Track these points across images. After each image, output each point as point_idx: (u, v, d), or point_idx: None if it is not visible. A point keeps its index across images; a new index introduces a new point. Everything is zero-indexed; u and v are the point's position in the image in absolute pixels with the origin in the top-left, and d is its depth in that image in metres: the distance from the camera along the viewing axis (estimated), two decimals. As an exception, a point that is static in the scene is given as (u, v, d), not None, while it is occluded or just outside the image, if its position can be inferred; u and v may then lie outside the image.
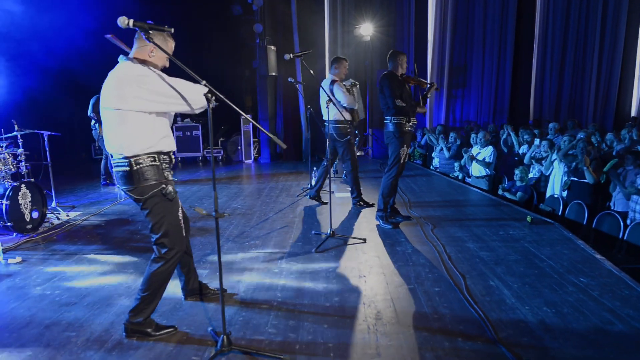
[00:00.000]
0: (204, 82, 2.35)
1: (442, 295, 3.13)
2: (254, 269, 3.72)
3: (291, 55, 4.67)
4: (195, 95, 2.46)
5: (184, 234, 2.71)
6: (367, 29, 10.57)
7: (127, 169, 2.43)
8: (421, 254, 3.96)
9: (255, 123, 2.53)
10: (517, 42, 11.88)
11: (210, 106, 2.32)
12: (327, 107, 4.62)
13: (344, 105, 5.40)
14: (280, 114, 10.58)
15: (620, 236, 5.04)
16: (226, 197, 6.55)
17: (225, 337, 2.47)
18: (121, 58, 2.53)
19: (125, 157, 2.43)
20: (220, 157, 10.95)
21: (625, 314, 2.80)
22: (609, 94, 11.84)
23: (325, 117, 5.69)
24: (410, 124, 4.72)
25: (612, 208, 5.55)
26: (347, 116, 5.46)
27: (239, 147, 10.78)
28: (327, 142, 5.17)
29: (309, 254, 4.03)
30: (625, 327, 2.65)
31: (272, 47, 9.94)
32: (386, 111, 4.71)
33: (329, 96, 4.65)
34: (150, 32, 2.32)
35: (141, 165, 2.44)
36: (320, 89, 5.57)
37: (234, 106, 2.67)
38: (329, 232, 4.38)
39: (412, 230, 4.67)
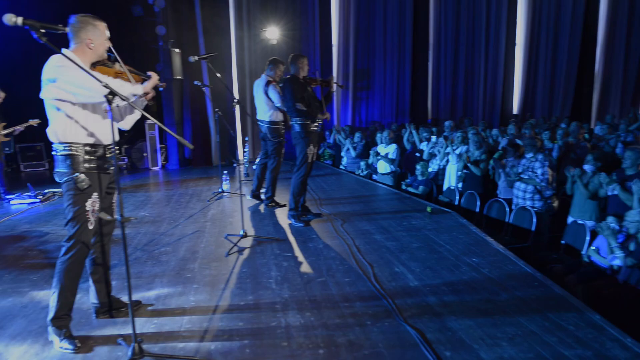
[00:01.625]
0: (104, 82, 2.28)
1: (352, 285, 3.30)
2: (165, 275, 3.63)
3: (196, 57, 4.62)
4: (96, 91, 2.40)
5: (91, 228, 2.62)
6: (273, 33, 10.68)
7: (54, 153, 2.60)
8: (332, 248, 4.12)
9: (159, 124, 2.49)
10: (415, 49, 12.71)
11: (112, 106, 2.27)
12: (257, 107, 4.87)
13: (278, 106, 5.48)
14: (187, 119, 10.31)
15: (507, 220, 5.63)
16: (132, 205, 6.26)
17: (136, 345, 2.41)
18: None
19: (54, 143, 2.58)
20: (124, 165, 10.41)
21: (509, 285, 3.16)
22: (495, 95, 13.10)
23: (260, 118, 5.71)
24: (316, 124, 4.86)
25: (499, 196, 6.17)
26: (282, 117, 5.60)
27: (145, 154, 10.32)
28: (262, 143, 5.36)
29: (222, 256, 4.02)
30: (509, 296, 3.00)
31: (177, 50, 9.67)
32: (291, 113, 4.84)
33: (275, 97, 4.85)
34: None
35: (61, 152, 2.56)
36: (254, 89, 5.74)
37: (138, 109, 2.61)
38: (241, 233, 4.39)
39: (323, 226, 4.83)
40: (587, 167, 5.02)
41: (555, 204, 5.58)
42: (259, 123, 5.68)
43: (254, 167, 6.11)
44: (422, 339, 2.51)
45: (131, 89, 2.59)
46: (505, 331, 2.57)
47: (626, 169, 4.79)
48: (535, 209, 5.37)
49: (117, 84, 2.49)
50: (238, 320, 2.84)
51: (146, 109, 2.75)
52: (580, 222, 4.86)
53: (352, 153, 8.52)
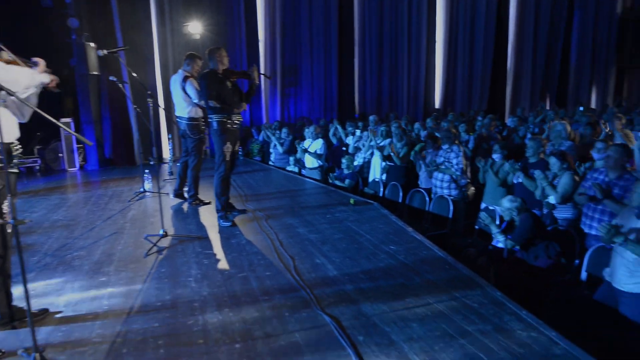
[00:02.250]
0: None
1: (272, 278, 3.31)
2: (77, 280, 3.44)
3: (105, 51, 4.40)
4: None
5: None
6: (195, 27, 10.40)
7: None
8: (255, 243, 4.10)
9: (55, 121, 2.35)
10: (340, 45, 12.91)
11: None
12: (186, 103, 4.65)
13: (196, 102, 5.32)
14: (106, 117, 9.78)
15: (427, 208, 5.90)
16: (45, 209, 5.85)
17: (37, 355, 2.27)
18: None
19: None
20: (37, 167, 9.69)
21: (423, 270, 3.32)
22: (418, 90, 13.64)
23: (178, 114, 5.51)
24: (236, 120, 4.71)
25: (420, 186, 6.45)
26: (202, 113, 5.43)
27: (60, 155, 9.67)
28: (182, 140, 5.16)
29: (140, 257, 3.87)
30: (421, 280, 3.16)
31: (92, 44, 9.12)
32: (208, 110, 4.68)
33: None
34: None
35: None
36: (171, 84, 5.52)
37: (30, 106, 2.45)
38: (161, 233, 4.25)
39: (247, 222, 4.80)
40: (496, 157, 5.38)
41: (470, 192, 5.92)
42: (177, 120, 5.52)
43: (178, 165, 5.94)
44: (337, 326, 2.58)
45: (39, 77, 2.44)
46: (416, 313, 2.70)
47: (529, 158, 5.19)
48: (452, 197, 5.67)
49: (27, 74, 2.35)
50: (154, 321, 2.75)
51: (52, 96, 2.61)
52: (492, 207, 5.21)
53: (280, 149, 8.52)
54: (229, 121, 4.63)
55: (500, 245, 4.22)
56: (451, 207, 5.52)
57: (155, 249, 4.04)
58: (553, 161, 4.55)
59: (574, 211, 4.48)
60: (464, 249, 5.04)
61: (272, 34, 12.24)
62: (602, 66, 15.37)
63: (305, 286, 3.12)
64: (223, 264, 3.63)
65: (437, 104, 13.92)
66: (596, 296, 3.48)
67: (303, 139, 8.36)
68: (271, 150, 9.12)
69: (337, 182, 7.12)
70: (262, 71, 11.99)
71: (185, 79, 5.32)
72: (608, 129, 6.99)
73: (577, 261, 4.15)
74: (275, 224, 4.68)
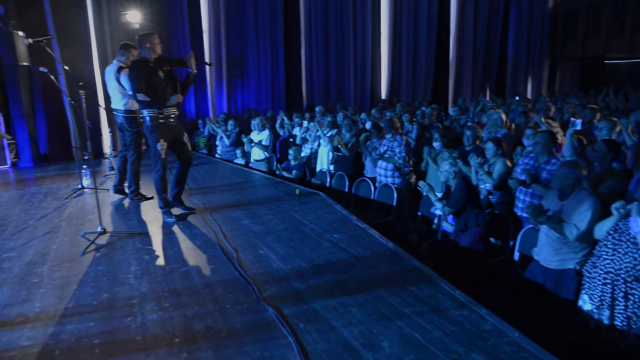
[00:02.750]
0: None
1: (215, 271, 3.27)
2: (7, 283, 3.25)
3: (30, 40, 4.14)
4: None
5: None
6: (134, 16, 9.99)
7: None
8: (198, 237, 4.04)
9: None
10: (287, 36, 12.82)
11: None
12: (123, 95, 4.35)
13: (131, 93, 5.08)
14: (40, 110, 9.23)
15: (372, 197, 6.02)
16: (-30, 210, 5.48)
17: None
18: None
19: None
20: (-37, 166, 9.02)
21: (364, 257, 3.40)
22: (364, 81, 13.81)
23: (114, 107, 5.26)
24: (166, 115, 4.32)
25: (366, 175, 6.56)
26: (138, 106, 5.19)
27: (-12, 152, 9.05)
28: (120, 134, 4.88)
29: (77, 256, 3.71)
30: (362, 266, 3.23)
31: (20, 33, 8.54)
32: (139, 104, 4.39)
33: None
34: None
35: None
36: (105, 76, 5.26)
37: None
38: (99, 230, 4.10)
39: (191, 216, 4.70)
40: (436, 144, 5.56)
41: (413, 179, 6.09)
42: (114, 112, 5.30)
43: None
44: (279, 315, 2.59)
45: None
46: (356, 298, 2.76)
47: (467, 145, 5.40)
48: (395, 186, 5.81)
49: None
50: (89, 321, 2.66)
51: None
52: (434, 211, 5.37)
53: (226, 141, 8.39)
54: (161, 116, 4.30)
55: (437, 212, 4.35)
56: (395, 195, 5.66)
57: (93, 246, 3.89)
58: (489, 146, 4.76)
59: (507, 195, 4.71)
60: (408, 235, 5.20)
61: (217, 23, 11.98)
62: (536, 58, 16.16)
63: (247, 278, 3.11)
64: (164, 259, 3.55)
65: (383, 95, 14.15)
66: (526, 274, 3.70)
67: (250, 131, 8.28)
68: (217, 143, 8.96)
69: (285, 174, 7.12)
70: (204, 58, 11.72)
71: (119, 69, 5.11)
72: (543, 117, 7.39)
73: (511, 242, 4.39)
74: (219, 217, 4.62)
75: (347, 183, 6.44)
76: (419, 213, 5.58)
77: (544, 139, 4.17)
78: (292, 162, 7.21)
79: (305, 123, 8.02)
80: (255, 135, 7.64)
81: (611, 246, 3.02)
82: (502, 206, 4.70)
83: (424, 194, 4.38)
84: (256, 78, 12.66)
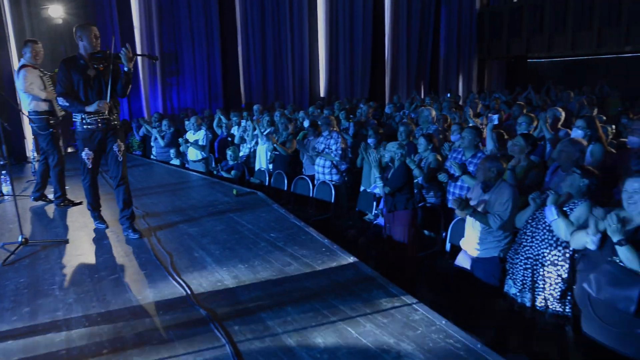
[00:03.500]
0: None
1: (148, 277, 3.17)
2: None
3: None
4: None
5: None
6: (56, 11, 9.41)
7: None
8: (130, 242, 3.89)
9: None
10: (223, 33, 12.59)
11: None
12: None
13: (23, 92, 4.75)
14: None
15: (310, 195, 6.06)
16: None
17: None
18: None
19: None
20: None
21: (300, 254, 3.42)
22: (303, 79, 13.85)
23: (24, 109, 4.90)
24: (91, 120, 3.84)
25: (304, 173, 6.59)
26: (46, 106, 4.85)
27: None
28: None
29: (-6, 268, 3.46)
30: (299, 263, 3.25)
31: None
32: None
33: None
34: None
35: None
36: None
37: None
38: (20, 240, 3.83)
39: (123, 221, 4.52)
40: (370, 141, 5.69)
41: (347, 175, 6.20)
42: (28, 116, 4.93)
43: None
44: (213, 318, 2.56)
45: None
46: (292, 296, 2.78)
47: (401, 141, 5.56)
48: (333, 182, 5.89)
49: None
50: (8, 339, 2.49)
51: None
52: (369, 190, 5.50)
53: (161, 142, 8.12)
54: (85, 121, 3.85)
55: (377, 191, 4.44)
56: (333, 192, 5.74)
57: (13, 257, 3.64)
58: (421, 141, 4.95)
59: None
60: (346, 231, 5.30)
61: (148, 18, 11.54)
62: (466, 57, 16.94)
63: (181, 282, 3.04)
64: (92, 267, 3.39)
65: (322, 93, 14.27)
66: (456, 263, 3.88)
67: (185, 130, 8.05)
68: (152, 144, 8.65)
69: (223, 174, 7.00)
70: (144, 52, 11.28)
71: (20, 68, 4.79)
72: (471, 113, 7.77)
73: (444, 234, 4.59)
74: (153, 220, 4.47)
75: (285, 181, 6.45)
76: (357, 209, 5.69)
77: (470, 134, 4.39)
78: (231, 162, 7.11)
79: (243, 122, 7.92)
80: (190, 136, 7.45)
81: (530, 234, 3.24)
82: (434, 199, 4.90)
83: (372, 166, 4.31)
84: (192, 76, 12.34)
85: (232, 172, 6.95)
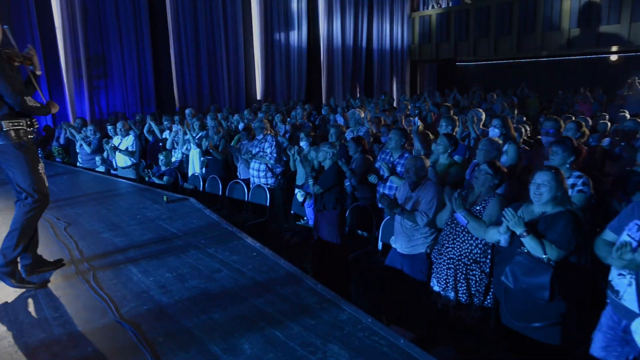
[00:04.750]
0: None
1: (67, 292, 2.99)
2: None
3: None
4: None
5: None
6: (-35, 9, 8.70)
7: None
8: (49, 256, 3.65)
9: None
10: (154, 34, 12.22)
11: None
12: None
13: None
14: None
15: (246, 199, 6.01)
16: None
17: None
18: None
19: None
20: None
21: (231, 260, 3.38)
22: (239, 82, 13.72)
23: None
24: (33, 129, 3.09)
25: (239, 177, 6.52)
26: None
27: None
28: None
29: None
30: (228, 270, 3.21)
31: None
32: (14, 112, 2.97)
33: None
34: None
35: None
36: None
37: None
38: None
39: (42, 232, 4.23)
40: (303, 144, 5.73)
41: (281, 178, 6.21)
42: None
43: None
44: (137, 332, 2.46)
45: None
46: (220, 303, 2.74)
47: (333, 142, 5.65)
48: (268, 186, 5.87)
49: None
50: None
51: None
52: (300, 193, 5.53)
53: (87, 149, 7.72)
54: (31, 129, 3.07)
55: (309, 190, 4.50)
56: (268, 196, 5.72)
57: None
58: (350, 144, 5.04)
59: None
60: (282, 234, 5.30)
61: (72, 19, 10.96)
62: (399, 60, 17.52)
63: (104, 295, 2.90)
64: (3, 286, 3.15)
65: (258, 95, 14.20)
66: (387, 261, 4.00)
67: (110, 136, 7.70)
68: (78, 150, 8.20)
69: (155, 180, 6.77)
70: (63, 68, 10.68)
71: None
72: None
73: (376, 233, 4.70)
74: (75, 231, 4.23)
75: (220, 186, 6.35)
76: (292, 212, 5.71)
77: (396, 135, 4.54)
78: (163, 168, 6.89)
79: (174, 126, 7.71)
80: (118, 141, 7.14)
81: (451, 236, 3.40)
82: (366, 200, 5.01)
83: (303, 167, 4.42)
84: (121, 79, 11.86)
85: (164, 178, 6.74)
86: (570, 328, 2.95)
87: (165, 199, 5.10)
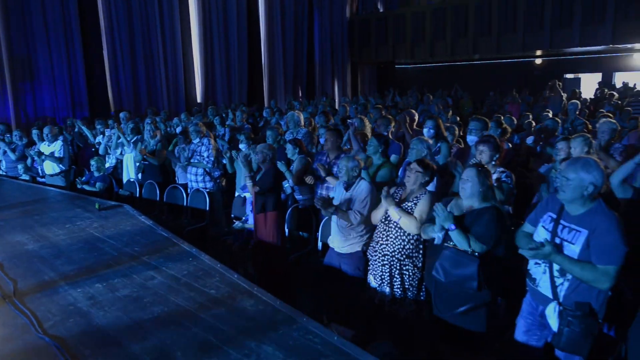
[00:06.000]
0: None
1: (-17, 309, 2.81)
2: None
3: None
4: None
5: None
6: None
7: None
8: (-36, 271, 3.41)
9: None
10: (85, 34, 11.66)
11: None
12: None
13: None
14: None
15: (185, 204, 5.88)
16: None
17: None
18: None
19: None
20: None
21: (165, 266, 3.29)
22: (178, 84, 13.37)
23: None
24: None
25: (177, 182, 6.36)
26: None
27: None
28: None
29: None
30: (163, 277, 3.12)
31: None
32: None
33: None
34: None
35: None
36: None
37: None
38: None
39: (-43, 248, 3.94)
40: (242, 146, 5.69)
41: (224, 182, 6.14)
42: None
43: None
44: (61, 347, 2.35)
45: None
46: (152, 311, 2.67)
47: (272, 144, 5.65)
48: (207, 190, 5.78)
49: None
50: None
51: None
52: (242, 195, 5.50)
53: (12, 156, 7.23)
54: None
55: (247, 191, 4.49)
56: (207, 200, 5.63)
57: None
58: (288, 147, 5.07)
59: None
60: (222, 238, 5.24)
61: (-8, 17, 10.25)
62: (339, 62, 17.77)
63: (25, 310, 2.74)
64: None
65: (199, 98, 13.91)
66: (325, 261, 4.05)
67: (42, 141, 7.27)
68: (1, 157, 7.67)
69: (87, 187, 6.47)
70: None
71: None
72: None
73: (316, 234, 4.75)
74: (-4, 244, 3.97)
75: (158, 191, 6.17)
76: (232, 215, 5.65)
77: (332, 136, 4.61)
78: (96, 174, 6.59)
79: (107, 131, 7.40)
80: (45, 147, 6.74)
81: (385, 233, 3.50)
82: (306, 201, 5.05)
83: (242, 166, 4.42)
84: (49, 81, 11.23)
85: (97, 185, 6.46)
86: (496, 315, 3.14)
87: (97, 206, 4.88)
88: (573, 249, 2.49)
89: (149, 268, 3.29)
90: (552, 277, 2.58)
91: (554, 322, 2.53)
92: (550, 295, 2.59)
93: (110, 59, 12.16)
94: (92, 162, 6.64)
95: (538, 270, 2.69)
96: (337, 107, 12.66)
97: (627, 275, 2.62)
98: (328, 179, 4.44)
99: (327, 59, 17.28)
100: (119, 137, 6.65)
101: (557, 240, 2.57)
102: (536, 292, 2.71)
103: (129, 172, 6.70)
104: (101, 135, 7.64)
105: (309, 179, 4.66)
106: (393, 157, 4.87)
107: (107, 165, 6.96)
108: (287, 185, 5.06)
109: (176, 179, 6.45)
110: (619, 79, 16.47)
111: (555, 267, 2.56)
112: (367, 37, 17.49)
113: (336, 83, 17.86)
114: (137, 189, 6.43)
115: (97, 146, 7.57)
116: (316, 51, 17.03)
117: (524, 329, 2.88)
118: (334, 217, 3.81)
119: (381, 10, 18.43)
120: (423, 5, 16.39)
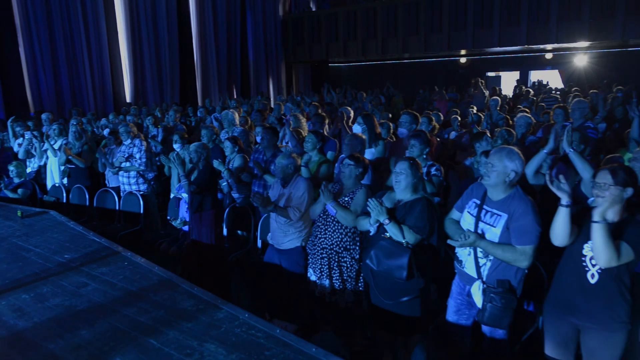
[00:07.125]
0: None
1: None
2: None
3: None
4: None
5: None
6: None
7: None
8: None
9: None
10: (-2, 32, 10.81)
11: None
12: None
13: None
14: None
15: (117, 208, 5.66)
16: None
17: None
18: None
19: None
20: None
21: (99, 272, 3.18)
22: (104, 83, 12.74)
23: None
24: None
25: (108, 185, 6.11)
26: None
27: None
28: None
29: None
30: (96, 283, 3.02)
31: None
32: None
33: None
34: None
35: None
36: None
37: None
38: None
39: None
40: (176, 147, 5.57)
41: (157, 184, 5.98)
42: None
43: None
44: (-14, 361, 2.22)
45: None
46: (87, 319, 2.58)
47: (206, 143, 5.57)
48: (141, 192, 5.60)
49: None
50: None
51: None
52: (178, 196, 5.39)
53: None
54: None
55: (184, 191, 4.44)
56: (141, 203, 5.46)
57: None
58: (227, 144, 5.04)
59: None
60: (158, 242, 5.10)
61: None
62: (274, 61, 17.74)
63: (-57, 327, 2.55)
64: None
65: (128, 98, 13.35)
66: (265, 258, 4.08)
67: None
68: None
69: (8, 193, 6.03)
70: None
71: None
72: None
73: (255, 232, 4.77)
74: None
75: (87, 196, 5.89)
76: (168, 217, 5.52)
77: (268, 134, 4.65)
78: (16, 180, 6.16)
79: (27, 134, 6.93)
80: (-43, 153, 6.22)
81: (323, 227, 3.60)
82: (243, 200, 5.04)
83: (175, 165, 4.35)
84: (-43, 81, 10.30)
85: (19, 191, 6.04)
86: (429, 300, 3.32)
87: (19, 213, 4.59)
88: (494, 232, 2.71)
89: (81, 275, 3.16)
90: (476, 258, 2.80)
91: (478, 300, 2.74)
92: (475, 275, 2.81)
93: (28, 59, 11.33)
94: (10, 168, 6.20)
95: (464, 253, 2.89)
96: (272, 105, 12.67)
97: (542, 254, 2.89)
98: (265, 176, 4.46)
99: (261, 58, 17.20)
100: (42, 142, 6.24)
101: (480, 224, 2.78)
102: (463, 273, 2.92)
103: (54, 177, 6.32)
104: (21, 138, 7.14)
105: (243, 176, 4.66)
106: (329, 154, 4.98)
107: (28, 170, 6.53)
108: (225, 184, 5.03)
109: (106, 182, 6.19)
110: (534, 76, 17.85)
111: (479, 249, 2.77)
112: (301, 36, 17.61)
113: (271, 82, 17.82)
114: (64, 194, 6.10)
115: (15, 150, 7.07)
116: (250, 50, 16.90)
117: (454, 309, 3.08)
118: (273, 215, 3.85)
119: (314, 10, 18.61)
120: (355, 5, 16.74)
